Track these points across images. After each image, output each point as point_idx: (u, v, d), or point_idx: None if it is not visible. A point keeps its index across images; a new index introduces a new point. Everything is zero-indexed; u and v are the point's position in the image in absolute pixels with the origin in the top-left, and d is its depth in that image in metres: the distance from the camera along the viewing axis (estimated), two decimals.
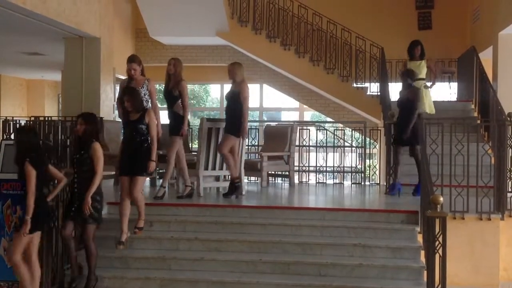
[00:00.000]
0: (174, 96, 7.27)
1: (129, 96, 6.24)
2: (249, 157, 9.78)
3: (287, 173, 9.51)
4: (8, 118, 7.07)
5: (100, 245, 5.96)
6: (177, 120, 7.27)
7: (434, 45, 13.31)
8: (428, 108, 9.03)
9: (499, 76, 10.20)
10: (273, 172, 9.63)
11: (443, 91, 13.35)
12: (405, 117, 8.09)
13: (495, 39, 10.28)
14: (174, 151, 7.25)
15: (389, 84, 11.07)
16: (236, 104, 7.46)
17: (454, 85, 12.87)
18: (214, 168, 7.72)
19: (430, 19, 13.64)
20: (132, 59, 6.90)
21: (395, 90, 9.86)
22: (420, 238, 6.13)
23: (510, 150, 7.04)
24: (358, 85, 12.78)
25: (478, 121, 9.80)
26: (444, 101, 11.99)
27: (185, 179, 7.41)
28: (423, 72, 9.11)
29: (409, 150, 8.12)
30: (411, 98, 8.16)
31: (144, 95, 6.75)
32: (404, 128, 8.06)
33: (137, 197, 6.15)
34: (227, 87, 16.99)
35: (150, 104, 6.83)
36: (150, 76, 7.07)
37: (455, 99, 12.37)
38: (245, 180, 8.24)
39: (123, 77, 13.32)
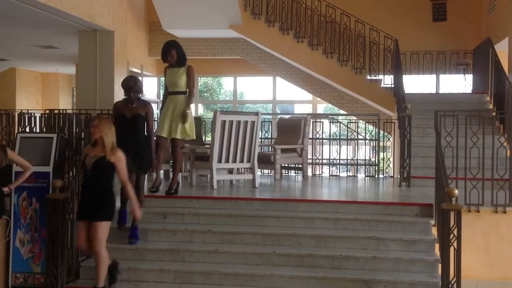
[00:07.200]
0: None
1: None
2: (262, 150, 9.78)
3: (300, 165, 9.50)
4: (23, 111, 7.14)
5: (113, 237, 6.01)
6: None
7: (449, 36, 13.25)
8: (170, 131, 6.73)
9: None
10: (286, 165, 9.62)
11: (458, 83, 13.27)
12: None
13: (511, 30, 10.16)
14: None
15: (403, 76, 10.99)
16: None
17: (469, 77, 12.78)
18: (227, 161, 7.73)
19: (445, 11, 13.51)
20: None
21: (409, 82, 9.77)
22: (434, 231, 6.10)
23: None
24: (372, 78, 12.70)
25: (494, 113, 9.70)
26: (459, 93, 11.93)
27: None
28: (181, 84, 6.77)
29: None
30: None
31: None
32: None
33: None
34: (240, 80, 17.26)
35: None
36: (162, 68, 6.99)
37: (470, 91, 12.28)
38: (258, 172, 8.24)
39: (137, 70, 13.53)
